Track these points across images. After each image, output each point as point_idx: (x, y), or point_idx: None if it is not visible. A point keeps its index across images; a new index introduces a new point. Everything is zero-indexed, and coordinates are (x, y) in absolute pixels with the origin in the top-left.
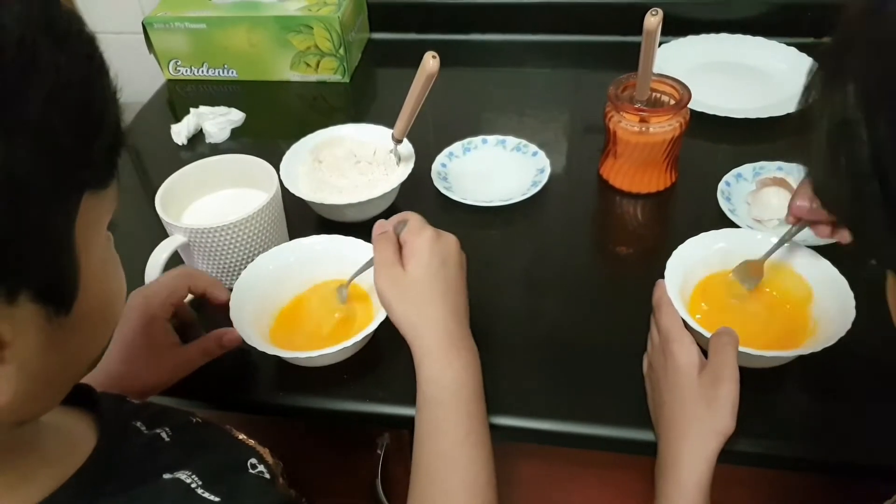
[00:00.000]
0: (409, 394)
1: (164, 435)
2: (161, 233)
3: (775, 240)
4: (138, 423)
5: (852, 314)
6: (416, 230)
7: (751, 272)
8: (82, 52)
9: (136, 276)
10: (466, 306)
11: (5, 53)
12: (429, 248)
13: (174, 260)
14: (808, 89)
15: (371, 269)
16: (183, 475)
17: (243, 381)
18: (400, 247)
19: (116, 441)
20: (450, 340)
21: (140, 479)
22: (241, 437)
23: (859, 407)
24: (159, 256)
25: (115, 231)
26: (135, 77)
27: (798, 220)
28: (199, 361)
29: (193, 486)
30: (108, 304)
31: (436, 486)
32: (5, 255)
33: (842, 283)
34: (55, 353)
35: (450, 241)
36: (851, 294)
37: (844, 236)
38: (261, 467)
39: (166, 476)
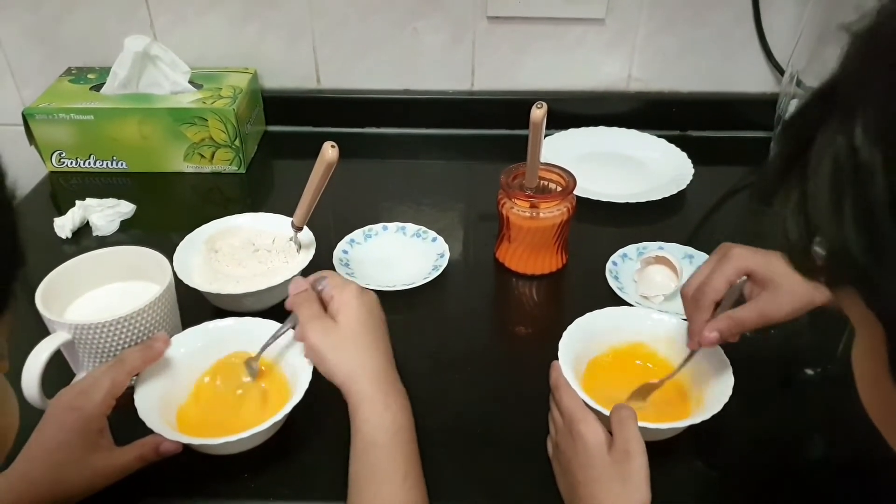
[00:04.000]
0: (315, 489)
1: None
2: (42, 334)
3: (657, 315)
4: None
5: (731, 380)
6: (341, 284)
7: (647, 392)
8: None
9: (14, 382)
10: (392, 355)
11: None
12: (357, 299)
13: (57, 361)
14: (789, 140)
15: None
16: None
17: (133, 481)
18: (322, 304)
19: None
20: (386, 384)
21: None
22: None
23: (746, 463)
24: (39, 357)
25: None
26: (13, 169)
27: (699, 347)
28: (135, 467)
29: None
30: None
31: None
32: None
33: (718, 352)
34: None
35: (372, 295)
36: (728, 361)
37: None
38: None
39: None
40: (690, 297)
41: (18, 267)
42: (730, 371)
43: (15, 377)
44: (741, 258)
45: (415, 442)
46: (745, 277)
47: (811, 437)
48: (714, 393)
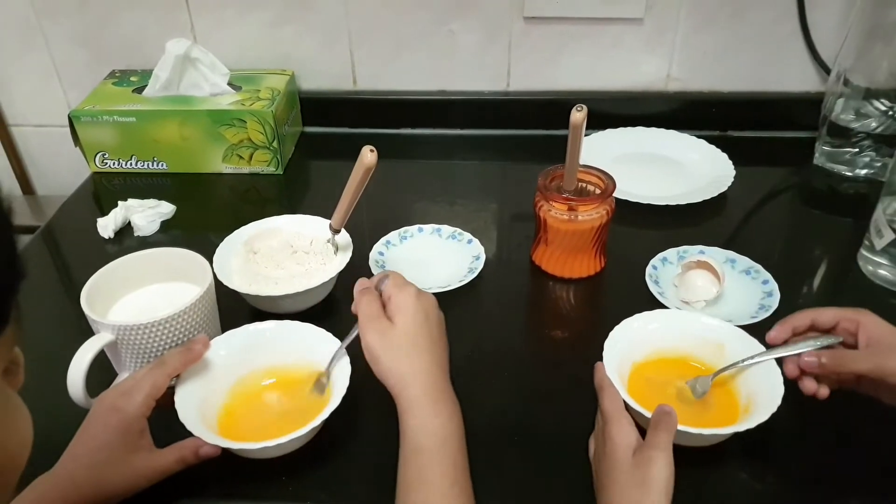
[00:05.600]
0: (352, 494)
1: None
2: (85, 333)
3: (706, 320)
4: None
5: (781, 390)
6: (400, 285)
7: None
8: None
9: (59, 382)
10: (447, 360)
11: None
12: (414, 302)
13: (100, 361)
14: None
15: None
16: None
17: (172, 481)
18: (382, 303)
19: None
20: (436, 391)
21: None
22: None
23: (794, 472)
24: (84, 357)
25: (29, 338)
26: (58, 170)
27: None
28: (175, 469)
29: None
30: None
31: None
32: None
33: (770, 361)
34: None
35: (430, 297)
36: (779, 370)
37: (823, 393)
38: None
39: None
40: (797, 313)
41: (19, 280)
42: (780, 379)
43: (49, 381)
44: (872, 322)
45: (464, 450)
46: (841, 338)
47: (862, 444)
48: (763, 400)
